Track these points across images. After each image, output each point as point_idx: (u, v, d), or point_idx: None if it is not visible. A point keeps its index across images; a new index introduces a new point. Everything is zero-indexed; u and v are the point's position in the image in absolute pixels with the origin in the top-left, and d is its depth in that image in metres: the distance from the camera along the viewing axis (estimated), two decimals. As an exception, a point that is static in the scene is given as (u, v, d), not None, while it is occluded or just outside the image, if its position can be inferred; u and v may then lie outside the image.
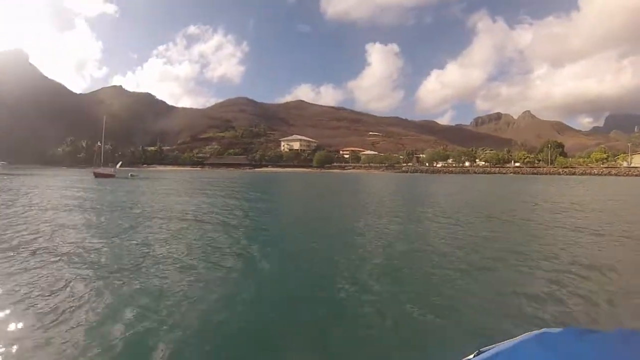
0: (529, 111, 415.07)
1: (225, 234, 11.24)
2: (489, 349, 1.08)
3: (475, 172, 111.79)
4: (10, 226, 11.55)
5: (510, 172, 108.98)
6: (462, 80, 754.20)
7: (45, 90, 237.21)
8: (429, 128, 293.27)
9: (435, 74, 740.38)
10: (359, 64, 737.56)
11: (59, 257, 7.94)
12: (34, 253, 8.37)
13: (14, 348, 4.17)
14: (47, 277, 6.69)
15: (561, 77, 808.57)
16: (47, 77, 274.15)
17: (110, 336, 4.36)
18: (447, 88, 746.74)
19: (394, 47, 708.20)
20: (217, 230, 11.79)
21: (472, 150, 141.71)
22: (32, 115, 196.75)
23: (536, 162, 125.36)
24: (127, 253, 8.65)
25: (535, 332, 1.10)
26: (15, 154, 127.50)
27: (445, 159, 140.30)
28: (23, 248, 8.84)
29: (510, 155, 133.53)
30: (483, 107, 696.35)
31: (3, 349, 4.20)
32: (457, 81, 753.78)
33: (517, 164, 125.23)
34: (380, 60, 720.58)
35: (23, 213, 14.73)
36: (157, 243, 9.68)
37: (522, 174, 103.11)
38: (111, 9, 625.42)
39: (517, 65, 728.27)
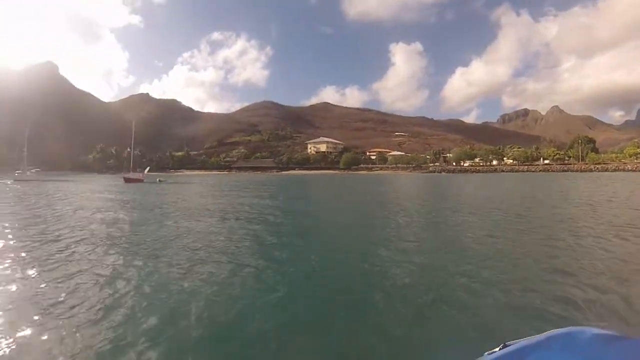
0: (557, 106, 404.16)
1: (257, 231, 11.64)
2: (515, 343, 1.09)
3: (503, 171, 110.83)
4: (62, 225, 12.61)
5: (540, 170, 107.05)
6: (488, 77, 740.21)
7: (75, 99, 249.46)
8: (455, 127, 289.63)
9: (459, 71, 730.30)
10: (383, 64, 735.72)
11: (114, 252, 8.67)
12: (90, 247, 9.28)
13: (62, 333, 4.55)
14: (102, 269, 7.33)
15: (590, 69, 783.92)
16: (76, 87, 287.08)
17: (140, 326, 4.69)
18: (472, 85, 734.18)
19: (418, 45, 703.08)
20: (245, 227, 12.30)
21: (500, 149, 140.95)
22: (63, 124, 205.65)
23: (566, 158, 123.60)
24: (162, 246, 9.37)
25: (562, 330, 1.11)
26: (47, 161, 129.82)
27: (472, 158, 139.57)
28: (75, 243, 9.63)
29: (539, 153, 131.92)
30: (510, 103, 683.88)
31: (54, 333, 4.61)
32: (482, 78, 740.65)
33: (546, 161, 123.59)
34: (404, 60, 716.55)
35: (71, 214, 16.06)
36: (189, 240, 10.17)
37: (552, 171, 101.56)
38: (136, 19, 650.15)
39: (543, 59, 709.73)
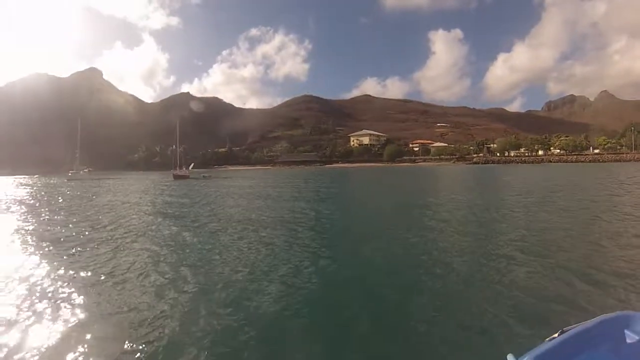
0: (606, 91, 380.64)
1: (296, 227, 12.05)
2: (571, 329, 1.14)
3: (550, 161, 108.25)
4: (133, 218, 14.58)
5: (589, 160, 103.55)
6: (531, 62, 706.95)
7: (119, 102, 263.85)
8: (498, 116, 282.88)
9: (502, 57, 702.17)
10: (423, 53, 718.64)
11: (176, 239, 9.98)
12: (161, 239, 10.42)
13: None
14: (162, 260, 8.11)
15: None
16: (120, 90, 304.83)
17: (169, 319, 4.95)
18: (515, 72, 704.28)
19: (458, 32, 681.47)
20: (280, 223, 12.85)
21: (546, 138, 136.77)
22: (110, 125, 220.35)
23: (618, 147, 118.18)
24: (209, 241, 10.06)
25: (613, 314, 1.15)
26: (97, 160, 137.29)
27: (517, 148, 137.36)
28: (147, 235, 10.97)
29: (588, 142, 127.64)
30: (555, 90, 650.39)
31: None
32: (525, 64, 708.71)
33: (596, 151, 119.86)
34: (444, 48, 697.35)
35: (140, 207, 18.25)
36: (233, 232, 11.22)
37: (603, 161, 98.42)
38: (174, 21, 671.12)
39: (591, 40, 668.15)
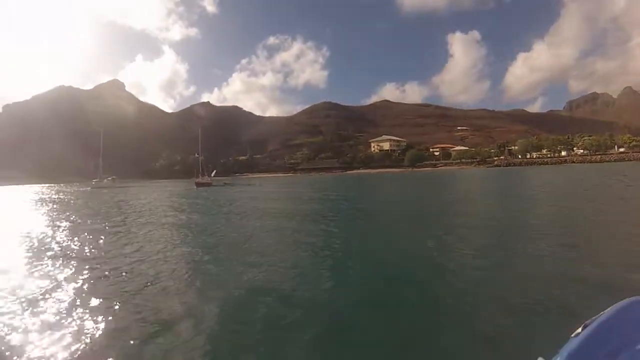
0: (630, 87, 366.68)
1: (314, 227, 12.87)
2: (593, 321, 1.11)
3: (573, 162, 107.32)
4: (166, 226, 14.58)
5: (614, 159, 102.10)
6: (552, 61, 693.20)
7: (141, 112, 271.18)
8: (518, 117, 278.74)
9: (521, 57, 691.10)
10: (442, 56, 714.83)
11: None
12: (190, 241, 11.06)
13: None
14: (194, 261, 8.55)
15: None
16: (141, 101, 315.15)
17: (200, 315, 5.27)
18: (536, 71, 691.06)
19: (475, 34, 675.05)
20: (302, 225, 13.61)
21: (568, 138, 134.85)
22: (132, 135, 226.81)
23: None
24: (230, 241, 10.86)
25: (628, 300, 1.12)
26: (119, 169, 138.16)
27: (539, 149, 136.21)
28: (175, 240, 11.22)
29: (613, 140, 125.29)
30: (577, 88, 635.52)
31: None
32: (545, 62, 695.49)
33: (621, 150, 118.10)
34: (462, 50, 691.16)
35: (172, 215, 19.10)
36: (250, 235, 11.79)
37: (629, 160, 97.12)
38: (193, 32, 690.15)
39: (612, 35, 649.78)
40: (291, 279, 7.01)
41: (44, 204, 30.49)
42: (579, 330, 1.11)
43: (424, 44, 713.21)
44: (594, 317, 1.12)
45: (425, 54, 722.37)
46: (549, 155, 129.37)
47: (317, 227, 13.09)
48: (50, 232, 13.73)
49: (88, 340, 4.66)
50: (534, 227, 11.15)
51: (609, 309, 1.13)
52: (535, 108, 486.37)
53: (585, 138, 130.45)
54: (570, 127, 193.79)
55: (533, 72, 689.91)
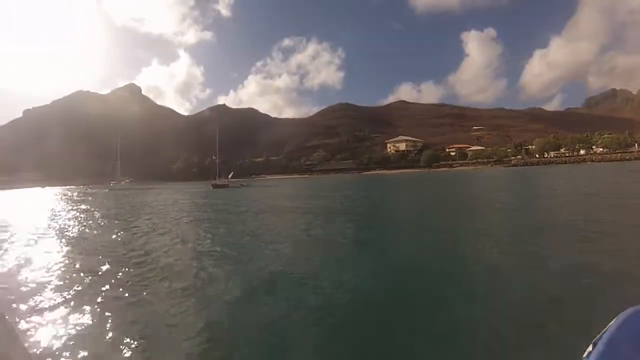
0: None
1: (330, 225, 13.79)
2: (601, 338, 1.06)
3: (592, 161, 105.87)
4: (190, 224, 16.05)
5: (635, 158, 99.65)
6: (570, 57, 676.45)
7: (157, 115, 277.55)
8: (536, 116, 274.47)
9: (538, 54, 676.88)
10: (457, 55, 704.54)
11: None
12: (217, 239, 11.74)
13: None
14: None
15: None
16: (158, 105, 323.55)
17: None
18: (553, 68, 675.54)
19: (491, 31, 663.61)
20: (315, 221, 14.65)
21: (587, 136, 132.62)
22: (149, 138, 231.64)
23: None
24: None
25: (633, 309, 1.07)
26: (136, 172, 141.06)
27: (557, 148, 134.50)
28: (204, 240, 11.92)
29: (633, 138, 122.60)
30: (596, 84, 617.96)
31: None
32: (563, 59, 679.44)
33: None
34: (477, 49, 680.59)
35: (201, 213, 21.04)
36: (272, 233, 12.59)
37: None
38: (208, 35, 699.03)
39: (632, 28, 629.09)
40: (333, 274, 7.50)
41: (66, 205, 32.64)
42: (590, 349, 1.06)
43: (439, 43, 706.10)
44: (601, 332, 1.06)
45: (440, 53, 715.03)
46: (567, 154, 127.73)
47: (344, 228, 13.63)
48: (79, 230, 15.16)
49: (122, 327, 5.12)
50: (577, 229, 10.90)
51: (614, 322, 1.07)
52: (553, 106, 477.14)
53: (605, 136, 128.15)
54: (589, 125, 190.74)
55: (550, 69, 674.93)
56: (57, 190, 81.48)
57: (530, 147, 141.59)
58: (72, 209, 27.48)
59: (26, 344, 4.24)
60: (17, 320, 5.42)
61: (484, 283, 6.67)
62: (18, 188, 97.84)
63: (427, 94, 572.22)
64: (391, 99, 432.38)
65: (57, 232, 14.84)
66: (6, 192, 71.63)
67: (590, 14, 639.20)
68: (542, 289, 6.06)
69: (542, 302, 5.50)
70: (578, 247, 8.55)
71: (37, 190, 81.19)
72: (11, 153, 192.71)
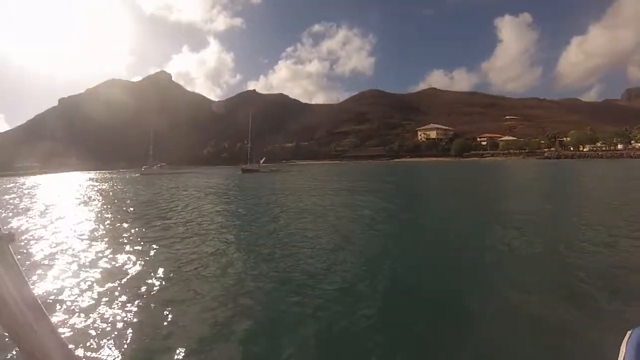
0: None
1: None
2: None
3: (631, 156, 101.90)
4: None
5: None
6: (609, 46, 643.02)
7: (188, 102, 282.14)
8: (571, 107, 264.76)
9: (575, 42, 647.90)
10: (490, 42, 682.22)
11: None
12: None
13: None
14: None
15: None
16: (188, 91, 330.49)
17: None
18: (591, 57, 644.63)
19: (526, 17, 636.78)
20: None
21: (626, 130, 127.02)
22: (180, 124, 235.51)
23: None
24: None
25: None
26: (168, 156, 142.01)
27: (593, 142, 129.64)
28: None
29: None
30: (637, 75, 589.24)
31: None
32: (602, 47, 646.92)
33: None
34: (512, 35, 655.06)
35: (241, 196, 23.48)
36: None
37: None
38: (237, 21, 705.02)
39: None
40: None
41: (104, 188, 36.26)
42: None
43: (472, 29, 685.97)
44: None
45: (473, 39, 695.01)
46: (603, 149, 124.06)
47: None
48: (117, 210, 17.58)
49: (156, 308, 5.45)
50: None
51: (624, 347, 0.96)
52: (590, 97, 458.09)
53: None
54: (627, 119, 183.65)
55: (588, 57, 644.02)
56: (91, 175, 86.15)
57: (564, 139, 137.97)
58: (105, 192, 30.78)
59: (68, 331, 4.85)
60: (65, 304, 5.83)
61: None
62: (54, 173, 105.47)
63: (459, 81, 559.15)
64: (422, 86, 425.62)
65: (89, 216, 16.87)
66: (45, 177, 79.03)
67: (633, 0, 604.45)
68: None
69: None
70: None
71: (73, 175, 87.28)
72: (47, 140, 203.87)
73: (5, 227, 0.76)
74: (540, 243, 9.06)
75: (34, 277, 7.06)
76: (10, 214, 17.53)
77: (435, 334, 4.76)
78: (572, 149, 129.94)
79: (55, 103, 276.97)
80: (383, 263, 7.57)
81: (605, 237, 9.18)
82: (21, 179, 72.37)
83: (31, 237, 11.02)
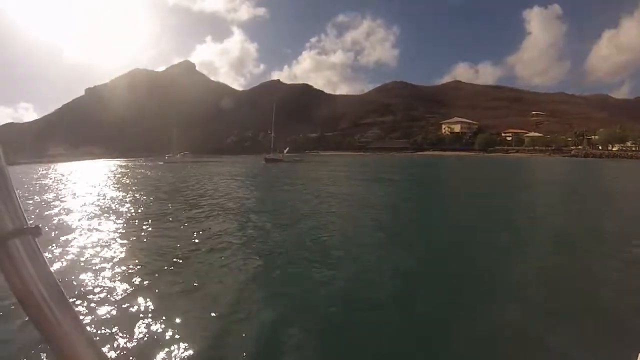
0: None
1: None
2: None
3: None
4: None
5: None
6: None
7: (212, 91, 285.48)
8: (600, 103, 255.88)
9: (606, 35, 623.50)
10: (518, 34, 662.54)
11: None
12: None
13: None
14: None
15: None
16: (212, 80, 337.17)
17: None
18: (623, 51, 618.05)
19: (556, 8, 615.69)
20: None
21: None
22: (204, 113, 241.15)
23: None
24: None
25: None
26: (191, 145, 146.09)
27: (622, 141, 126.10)
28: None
29: None
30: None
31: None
32: (635, 41, 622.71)
33: None
34: (540, 27, 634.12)
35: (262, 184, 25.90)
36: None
37: None
38: (261, 11, 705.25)
39: None
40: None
41: (130, 176, 39.03)
42: None
43: (499, 21, 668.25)
44: None
45: (499, 31, 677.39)
46: (633, 148, 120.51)
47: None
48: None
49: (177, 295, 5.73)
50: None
51: None
52: (621, 93, 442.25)
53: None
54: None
55: (620, 52, 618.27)
56: (116, 162, 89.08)
57: (593, 137, 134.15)
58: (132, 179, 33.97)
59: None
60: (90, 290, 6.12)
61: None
62: (80, 160, 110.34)
63: (484, 74, 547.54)
64: (447, 78, 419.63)
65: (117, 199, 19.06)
66: (73, 164, 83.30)
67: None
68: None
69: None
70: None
71: (99, 163, 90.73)
72: (73, 128, 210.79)
73: (30, 222, 0.60)
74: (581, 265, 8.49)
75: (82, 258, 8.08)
76: (51, 198, 20.45)
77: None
78: (600, 147, 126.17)
79: (82, 93, 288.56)
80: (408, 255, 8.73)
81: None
82: (52, 166, 77.91)
83: (80, 217, 13.29)
